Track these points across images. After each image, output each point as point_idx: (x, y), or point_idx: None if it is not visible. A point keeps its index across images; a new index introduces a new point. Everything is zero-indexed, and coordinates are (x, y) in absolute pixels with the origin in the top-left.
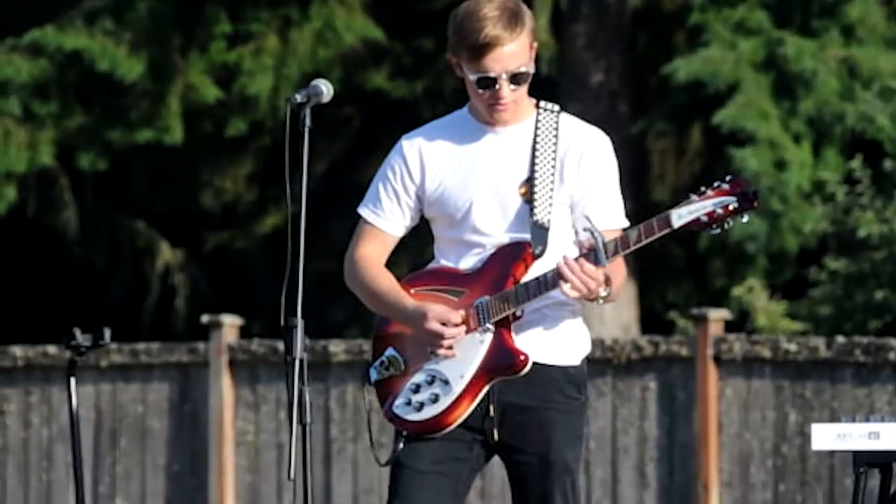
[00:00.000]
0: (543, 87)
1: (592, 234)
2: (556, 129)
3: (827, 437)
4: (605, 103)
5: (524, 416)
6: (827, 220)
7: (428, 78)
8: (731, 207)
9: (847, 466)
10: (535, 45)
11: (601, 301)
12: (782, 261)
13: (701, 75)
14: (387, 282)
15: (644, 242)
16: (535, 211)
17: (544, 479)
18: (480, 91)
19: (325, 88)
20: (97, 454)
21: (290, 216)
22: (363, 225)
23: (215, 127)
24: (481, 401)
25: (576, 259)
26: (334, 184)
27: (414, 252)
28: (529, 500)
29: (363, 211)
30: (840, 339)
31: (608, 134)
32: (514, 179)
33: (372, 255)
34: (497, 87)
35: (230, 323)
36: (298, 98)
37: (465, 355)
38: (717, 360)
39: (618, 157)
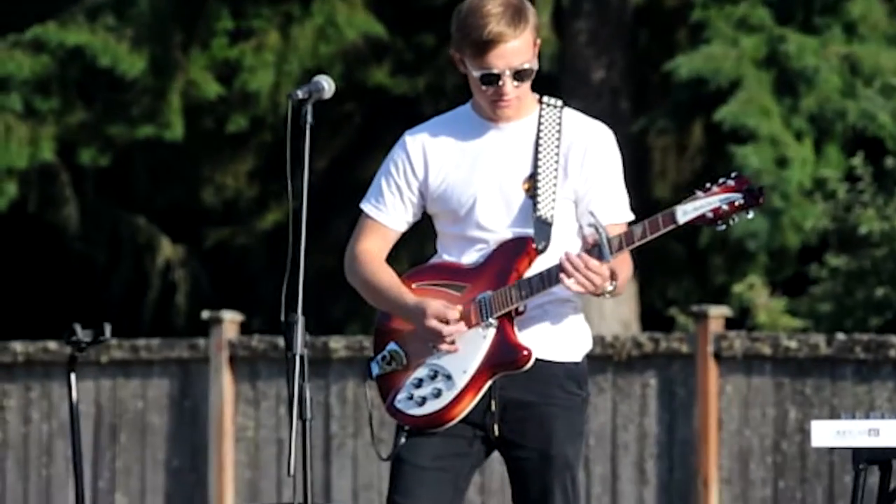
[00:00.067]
0: (545, 83)
1: (597, 229)
2: (560, 124)
3: (827, 433)
4: (607, 100)
5: (525, 411)
6: (828, 217)
7: (429, 74)
8: (736, 204)
9: (847, 463)
10: (539, 41)
11: (607, 295)
12: (783, 258)
13: (702, 72)
14: (387, 277)
15: (649, 238)
16: (539, 206)
17: (544, 474)
18: (484, 87)
19: (327, 85)
20: (97, 449)
21: (290, 212)
22: (364, 220)
23: (216, 123)
24: (483, 396)
25: (579, 255)
26: (335, 180)
27: (414, 248)
28: (529, 495)
29: (365, 206)
30: (840, 336)
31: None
32: (518, 175)
33: (373, 249)
34: (500, 83)
35: (230, 319)
36: (300, 94)
37: (468, 350)
38: (718, 356)
39: (619, 153)
